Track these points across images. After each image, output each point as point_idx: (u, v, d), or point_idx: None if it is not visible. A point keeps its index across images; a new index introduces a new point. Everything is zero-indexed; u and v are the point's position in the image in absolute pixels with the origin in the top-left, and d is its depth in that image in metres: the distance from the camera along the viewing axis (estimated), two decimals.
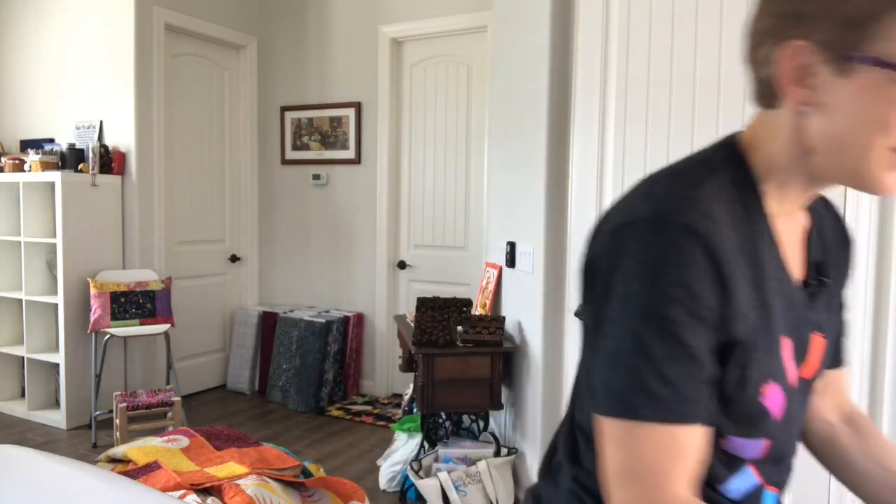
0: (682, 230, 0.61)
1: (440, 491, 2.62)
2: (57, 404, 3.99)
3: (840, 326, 0.83)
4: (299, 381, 4.25)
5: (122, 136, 4.02)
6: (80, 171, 3.88)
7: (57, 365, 3.87)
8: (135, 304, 3.81)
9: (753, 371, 0.66)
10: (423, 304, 2.81)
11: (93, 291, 3.72)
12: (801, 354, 0.72)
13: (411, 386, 3.45)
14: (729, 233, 0.64)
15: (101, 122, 4.07)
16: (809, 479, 1.94)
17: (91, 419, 3.70)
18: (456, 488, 2.61)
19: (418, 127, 4.34)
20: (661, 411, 0.60)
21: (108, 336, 3.66)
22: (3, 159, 4.03)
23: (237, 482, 2.14)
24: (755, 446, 0.69)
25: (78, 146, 4.00)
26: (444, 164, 4.26)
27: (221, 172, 4.71)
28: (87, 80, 4.11)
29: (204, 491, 2.12)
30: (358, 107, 4.44)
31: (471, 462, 2.79)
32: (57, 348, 3.88)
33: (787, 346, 0.70)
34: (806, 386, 0.74)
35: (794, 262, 0.74)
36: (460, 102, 4.18)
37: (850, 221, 1.83)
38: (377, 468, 3.21)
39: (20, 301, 3.96)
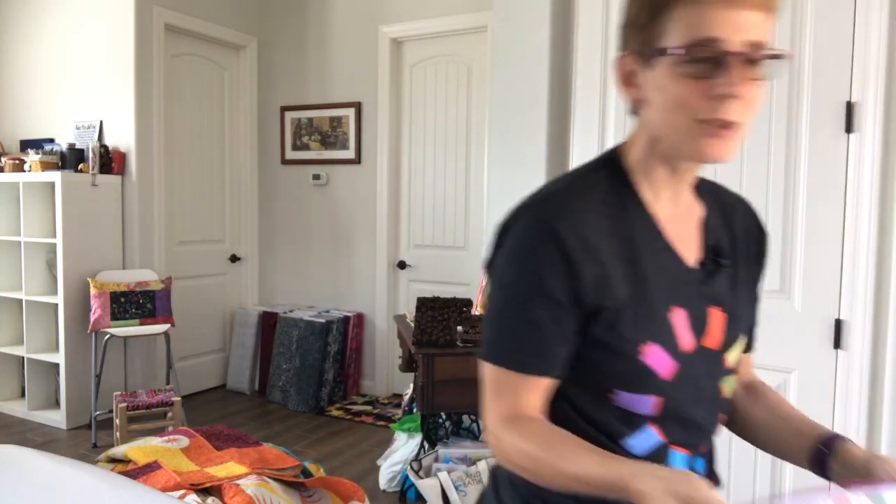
0: (535, 224, 0.78)
1: (440, 491, 2.62)
2: (57, 404, 3.99)
3: (752, 317, 0.94)
4: (299, 381, 4.25)
5: (122, 136, 4.02)
6: (80, 171, 3.88)
7: (57, 365, 3.87)
8: (135, 304, 3.81)
9: (627, 331, 0.78)
10: (423, 304, 2.81)
11: (93, 291, 3.72)
12: (699, 325, 0.82)
13: (411, 386, 3.45)
14: (596, 220, 0.79)
15: (101, 122, 4.07)
16: (811, 479, 1.94)
17: (91, 419, 3.70)
18: (456, 488, 2.61)
19: (418, 127, 4.34)
20: (511, 361, 0.80)
21: (108, 336, 3.66)
22: (3, 159, 4.03)
23: (237, 482, 2.14)
24: (645, 402, 0.79)
25: (78, 146, 4.00)
26: (444, 164, 4.26)
27: (221, 172, 4.71)
28: (87, 80, 4.11)
29: (204, 491, 2.12)
30: (358, 107, 4.44)
31: (471, 462, 2.79)
32: (57, 348, 3.88)
33: (679, 316, 0.81)
34: (713, 356, 0.83)
35: (689, 245, 0.85)
36: (460, 102, 4.18)
37: (850, 221, 1.83)
38: (377, 468, 3.21)
39: (20, 301, 3.96)
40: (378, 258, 4.45)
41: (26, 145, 4.32)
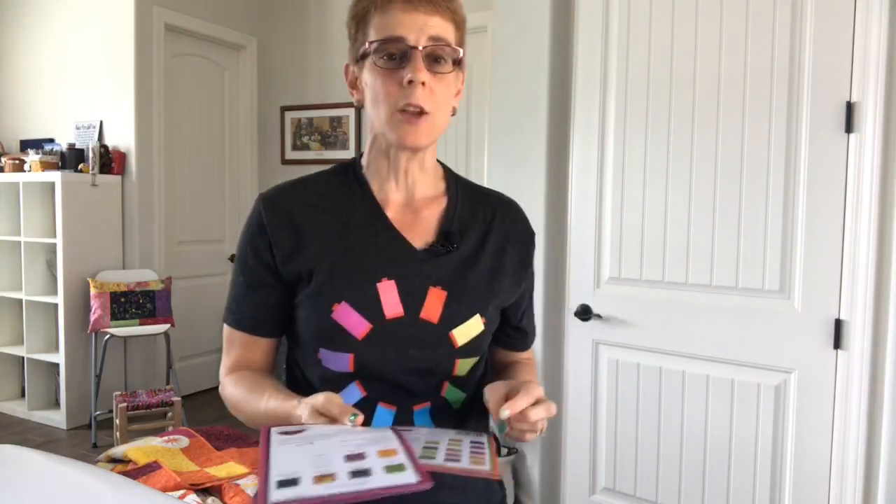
0: (253, 205, 0.95)
1: None
2: (57, 404, 3.99)
3: (522, 312, 1.06)
4: None
5: (122, 136, 4.02)
6: (80, 171, 3.88)
7: (57, 365, 3.87)
8: (135, 304, 3.81)
9: (322, 293, 0.89)
10: None
11: (93, 291, 3.72)
12: (413, 298, 0.91)
13: None
14: (309, 201, 0.94)
15: (101, 122, 4.07)
16: (811, 479, 1.94)
17: (91, 419, 3.70)
18: None
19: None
20: (229, 320, 0.97)
21: (108, 336, 3.66)
22: (3, 159, 4.03)
23: (237, 482, 2.14)
24: (342, 359, 0.89)
25: (78, 146, 4.00)
26: (444, 163, 4.25)
27: (221, 172, 4.71)
28: (87, 80, 4.11)
29: (204, 491, 2.12)
30: (358, 107, 4.44)
31: None
32: (57, 348, 3.88)
33: (388, 286, 0.90)
34: (429, 327, 0.91)
35: (421, 229, 0.95)
36: (460, 102, 4.17)
37: (850, 221, 1.83)
38: None
39: (20, 301, 3.96)
40: None
41: (26, 145, 4.32)
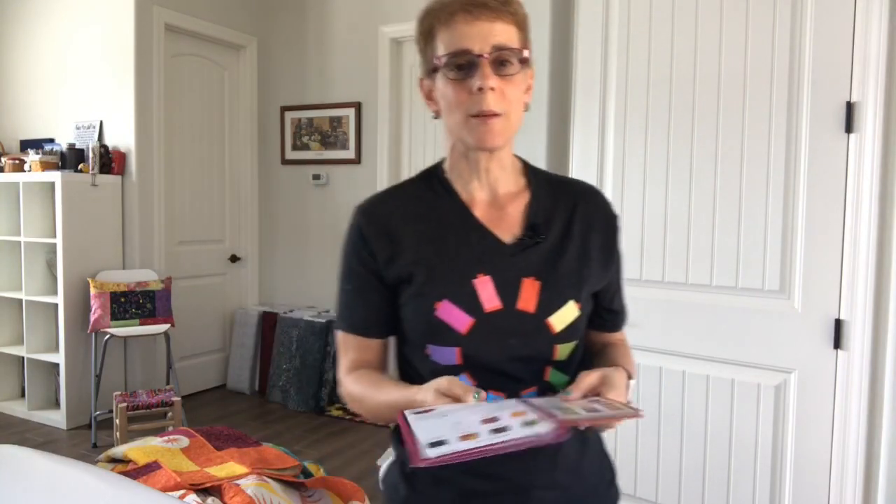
0: (351, 218, 1.04)
1: None
2: (57, 404, 3.99)
3: (607, 294, 1.08)
4: (299, 381, 4.25)
5: (122, 136, 4.02)
6: (80, 171, 3.88)
7: (57, 365, 3.87)
8: (135, 304, 3.81)
9: (424, 293, 0.96)
10: None
11: (93, 291, 3.72)
12: (508, 291, 0.96)
13: None
14: (401, 209, 1.02)
15: (101, 122, 4.07)
16: (811, 479, 1.94)
17: (91, 419, 3.70)
18: None
19: (418, 127, 4.34)
20: (343, 325, 1.05)
21: (108, 336, 3.66)
22: (3, 159, 4.03)
23: (237, 482, 2.14)
24: (449, 352, 0.95)
25: (78, 146, 3.99)
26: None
27: (221, 172, 4.71)
28: (87, 80, 4.11)
29: (204, 491, 2.12)
30: (358, 107, 4.44)
31: None
32: (57, 348, 3.88)
33: (485, 281, 0.96)
34: (527, 317, 0.96)
35: (508, 224, 1.00)
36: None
37: (850, 221, 1.83)
38: (377, 468, 3.21)
39: (20, 301, 3.95)
40: None
41: (26, 145, 4.32)
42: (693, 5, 2.05)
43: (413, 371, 1.02)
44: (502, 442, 0.70)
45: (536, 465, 0.95)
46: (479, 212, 1.01)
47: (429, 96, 1.02)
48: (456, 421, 0.75)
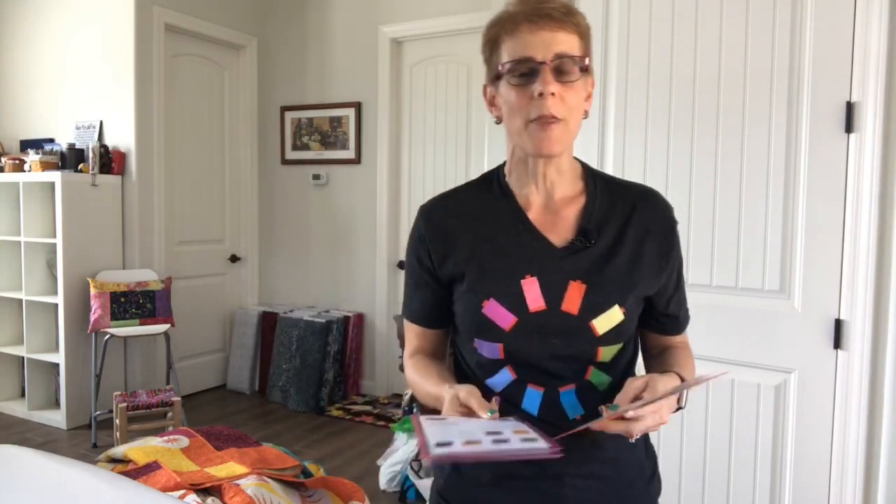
0: (417, 217, 1.10)
1: None
2: (57, 404, 3.99)
3: (663, 300, 1.10)
4: (299, 381, 4.25)
5: (122, 136, 4.02)
6: (80, 171, 3.88)
7: (57, 365, 3.87)
8: (135, 304, 3.81)
9: (474, 290, 1.02)
10: None
11: (93, 291, 3.72)
12: (554, 292, 1.00)
13: None
14: (458, 210, 1.07)
15: (101, 122, 4.07)
16: (811, 479, 1.94)
17: (91, 419, 3.70)
18: None
19: (418, 127, 4.34)
20: (406, 313, 1.14)
21: (108, 336, 3.66)
22: (3, 159, 4.03)
23: (237, 482, 2.14)
24: (493, 347, 1.01)
25: (78, 146, 4.00)
26: (444, 164, 4.26)
27: (221, 172, 4.71)
28: (87, 80, 4.11)
29: (204, 491, 2.12)
30: (358, 107, 4.44)
31: None
32: (57, 348, 3.88)
33: (532, 283, 1.00)
34: (569, 318, 0.99)
35: (561, 228, 1.04)
36: (460, 102, 4.18)
37: (850, 221, 1.83)
38: (377, 468, 3.20)
39: (20, 301, 3.96)
40: (378, 258, 4.45)
41: (26, 145, 4.32)
42: (693, 5, 2.05)
43: (463, 360, 1.09)
44: (501, 451, 0.79)
45: (572, 455, 0.96)
46: (534, 215, 1.05)
47: (492, 102, 1.05)
48: (463, 429, 0.83)
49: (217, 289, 4.69)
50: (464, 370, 1.09)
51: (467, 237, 1.05)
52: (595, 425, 0.89)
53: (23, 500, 1.19)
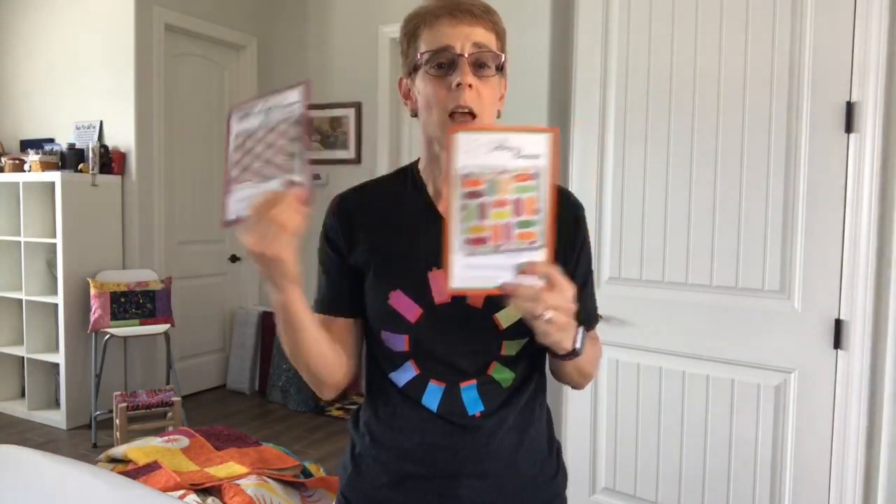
0: (329, 206, 1.09)
1: None
2: (57, 404, 3.99)
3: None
4: (299, 381, 4.25)
5: (122, 136, 4.02)
6: (80, 171, 3.88)
7: (57, 365, 3.87)
8: (135, 304, 3.81)
9: (380, 281, 1.02)
10: None
11: (93, 291, 3.72)
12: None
13: None
14: (369, 201, 1.08)
15: (101, 122, 4.07)
16: (811, 479, 1.94)
17: (91, 419, 3.70)
18: None
19: (418, 127, 4.33)
20: (314, 307, 1.06)
21: (108, 336, 3.66)
22: (3, 159, 4.03)
23: (237, 482, 2.14)
24: (399, 339, 1.01)
25: (78, 146, 4.00)
26: None
27: (221, 172, 4.71)
28: (87, 80, 4.11)
29: (204, 491, 2.12)
30: (358, 107, 4.44)
31: None
32: (57, 348, 3.88)
33: (438, 275, 0.98)
34: (474, 311, 0.99)
35: None
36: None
37: (850, 221, 1.83)
38: None
39: (20, 301, 3.95)
40: None
41: (26, 145, 4.32)
42: (693, 6, 2.05)
43: (372, 354, 1.08)
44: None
45: (466, 455, 1.00)
46: (444, 207, 1.02)
47: (406, 95, 1.07)
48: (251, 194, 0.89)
49: (217, 289, 4.68)
50: (372, 364, 1.09)
51: (376, 227, 1.05)
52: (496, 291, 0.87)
53: (23, 500, 1.19)
